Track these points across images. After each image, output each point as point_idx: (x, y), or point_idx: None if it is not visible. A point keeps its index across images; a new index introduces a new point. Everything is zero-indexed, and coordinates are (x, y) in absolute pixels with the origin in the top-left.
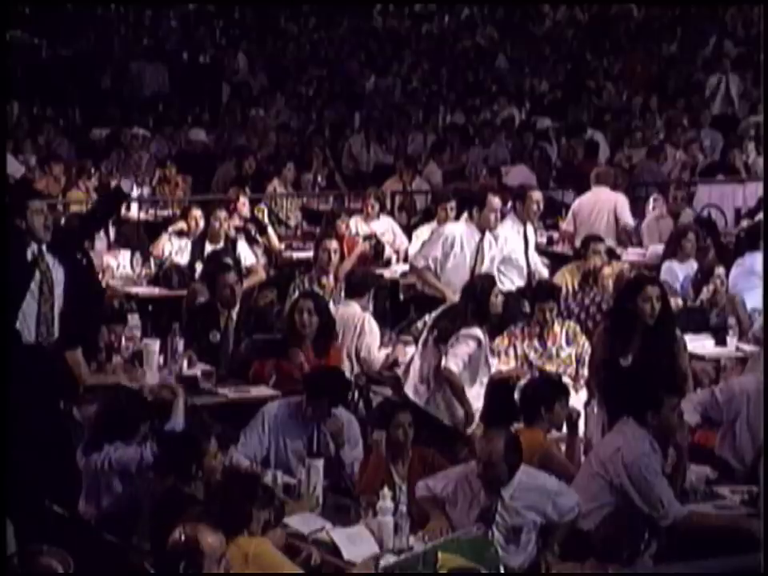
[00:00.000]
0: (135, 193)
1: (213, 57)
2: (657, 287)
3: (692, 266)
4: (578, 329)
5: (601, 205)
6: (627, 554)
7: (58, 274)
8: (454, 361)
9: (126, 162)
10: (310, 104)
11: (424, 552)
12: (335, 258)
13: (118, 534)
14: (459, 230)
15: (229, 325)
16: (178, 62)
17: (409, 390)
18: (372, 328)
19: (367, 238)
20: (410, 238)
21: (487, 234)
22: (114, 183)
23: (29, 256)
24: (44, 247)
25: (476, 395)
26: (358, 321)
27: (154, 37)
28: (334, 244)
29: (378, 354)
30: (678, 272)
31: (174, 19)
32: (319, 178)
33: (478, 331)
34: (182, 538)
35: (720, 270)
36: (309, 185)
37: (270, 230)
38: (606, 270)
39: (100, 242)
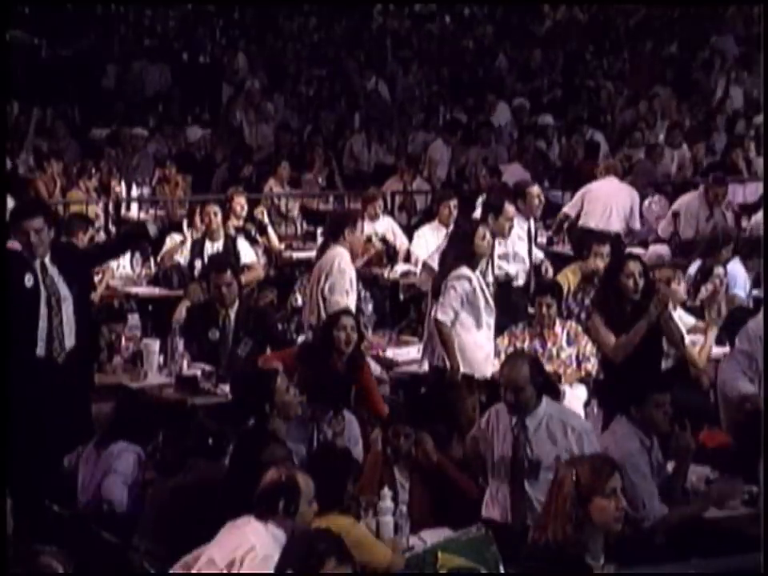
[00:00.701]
0: (135, 193)
1: (213, 57)
2: (638, 263)
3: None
4: (579, 329)
5: (617, 197)
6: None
7: (63, 289)
8: (442, 310)
9: (125, 162)
10: (309, 104)
11: (424, 551)
12: None
13: (117, 531)
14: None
15: (227, 323)
16: (178, 62)
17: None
18: (341, 267)
19: (380, 240)
20: (410, 239)
21: (497, 239)
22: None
23: (37, 270)
24: (47, 261)
25: (486, 338)
26: (331, 260)
27: (154, 37)
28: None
29: (341, 298)
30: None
31: (173, 19)
32: (320, 179)
33: (464, 270)
34: (283, 477)
35: (719, 270)
36: (309, 185)
37: (269, 229)
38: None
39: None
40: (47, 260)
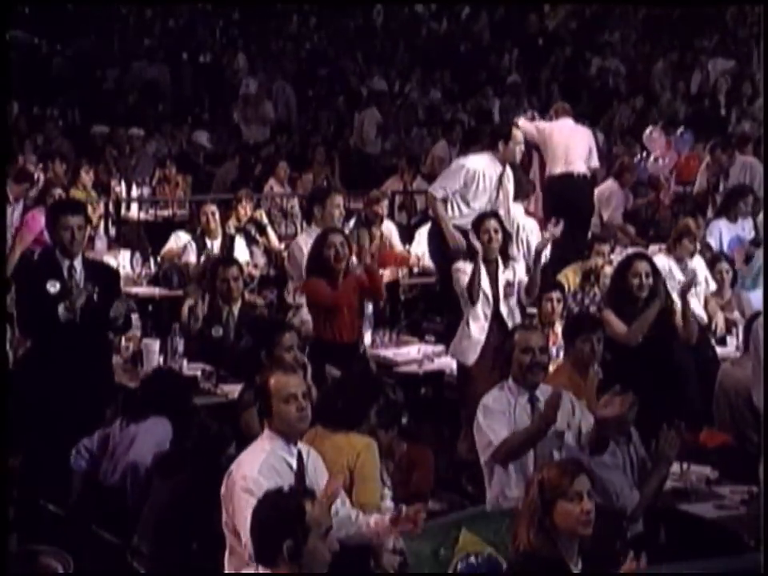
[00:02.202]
0: (135, 193)
1: (213, 57)
2: (645, 262)
3: (743, 226)
4: None
5: (574, 138)
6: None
7: (80, 293)
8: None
9: (124, 162)
10: (309, 104)
11: (449, 525)
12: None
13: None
14: (482, 164)
15: (230, 320)
16: (178, 62)
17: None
18: (298, 246)
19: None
20: (410, 238)
21: (507, 168)
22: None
23: (64, 272)
24: (75, 263)
25: (478, 329)
26: (289, 250)
27: (154, 37)
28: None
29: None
30: (725, 232)
31: (173, 19)
32: (319, 179)
33: (458, 264)
34: (259, 381)
35: (723, 265)
36: (309, 185)
37: (269, 229)
38: (607, 270)
39: (100, 241)
40: (76, 262)
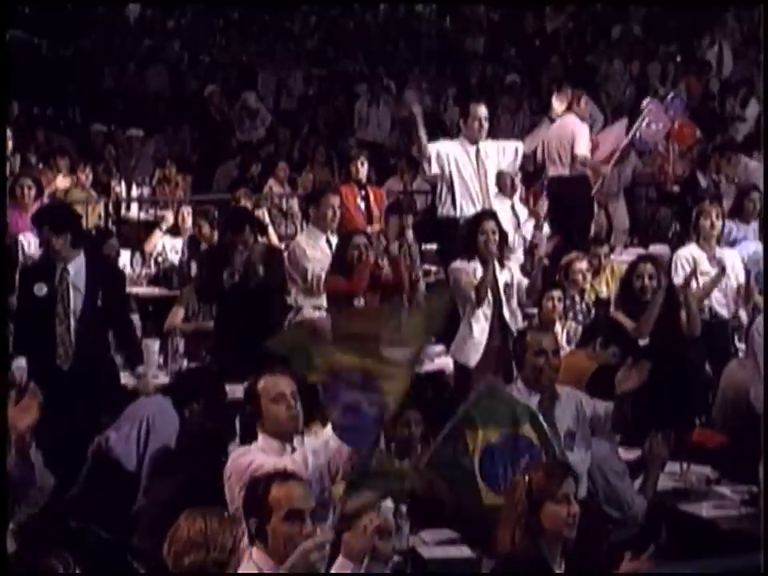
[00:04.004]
0: (135, 193)
1: (213, 57)
2: (650, 265)
3: (753, 227)
4: (579, 329)
5: (563, 133)
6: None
7: (77, 296)
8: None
9: (124, 162)
10: (309, 104)
11: (462, 419)
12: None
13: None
14: (452, 148)
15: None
16: (178, 62)
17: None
18: (300, 248)
19: None
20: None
21: (481, 144)
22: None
23: (56, 276)
24: (69, 267)
25: (479, 331)
26: (290, 252)
27: (154, 37)
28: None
29: (302, 299)
30: (735, 233)
31: (173, 19)
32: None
33: (456, 263)
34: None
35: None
36: (309, 185)
37: (270, 229)
38: (577, 265)
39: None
40: (70, 266)
